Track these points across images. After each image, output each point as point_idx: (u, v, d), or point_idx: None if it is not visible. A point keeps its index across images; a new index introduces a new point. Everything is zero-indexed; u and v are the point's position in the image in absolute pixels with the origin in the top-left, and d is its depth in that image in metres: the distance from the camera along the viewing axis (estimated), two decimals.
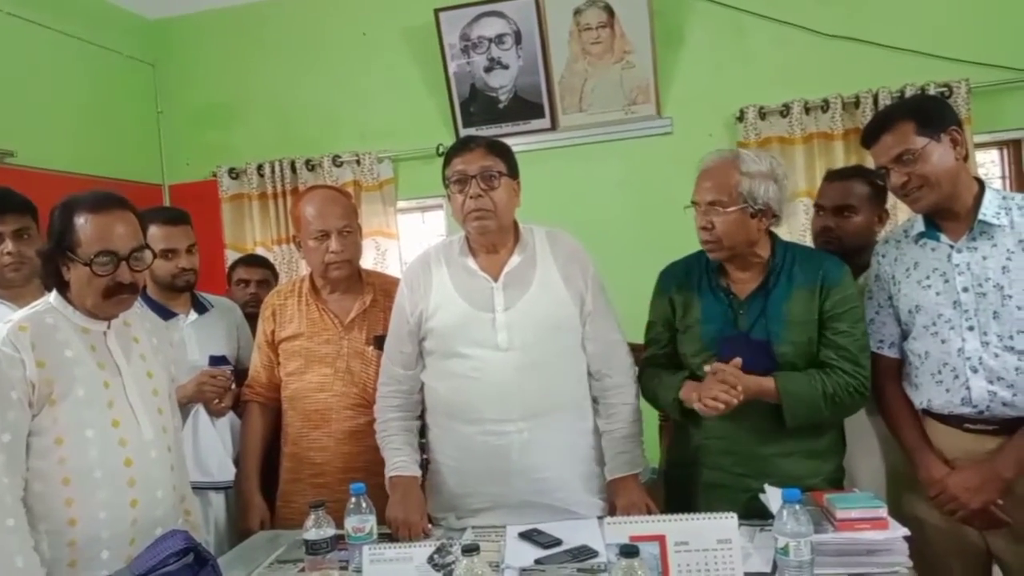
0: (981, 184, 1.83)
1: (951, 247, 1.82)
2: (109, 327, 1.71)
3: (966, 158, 1.83)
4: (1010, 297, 1.73)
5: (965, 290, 1.79)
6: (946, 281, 1.81)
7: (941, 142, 1.77)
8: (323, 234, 2.16)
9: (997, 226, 1.77)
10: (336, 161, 3.90)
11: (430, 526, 1.95)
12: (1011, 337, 1.74)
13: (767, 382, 1.79)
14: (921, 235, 1.88)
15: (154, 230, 2.30)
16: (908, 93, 3.31)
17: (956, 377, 1.79)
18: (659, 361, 2.01)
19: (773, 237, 1.94)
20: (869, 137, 1.87)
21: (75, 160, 3.51)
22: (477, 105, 3.76)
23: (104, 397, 1.65)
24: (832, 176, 2.37)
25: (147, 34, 4.12)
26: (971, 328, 1.78)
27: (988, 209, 1.77)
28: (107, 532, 1.60)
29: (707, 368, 1.81)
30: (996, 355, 1.75)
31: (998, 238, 1.77)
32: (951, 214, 1.82)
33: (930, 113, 1.81)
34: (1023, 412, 1.73)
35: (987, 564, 1.85)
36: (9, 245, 2.12)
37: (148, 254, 1.70)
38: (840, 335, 1.83)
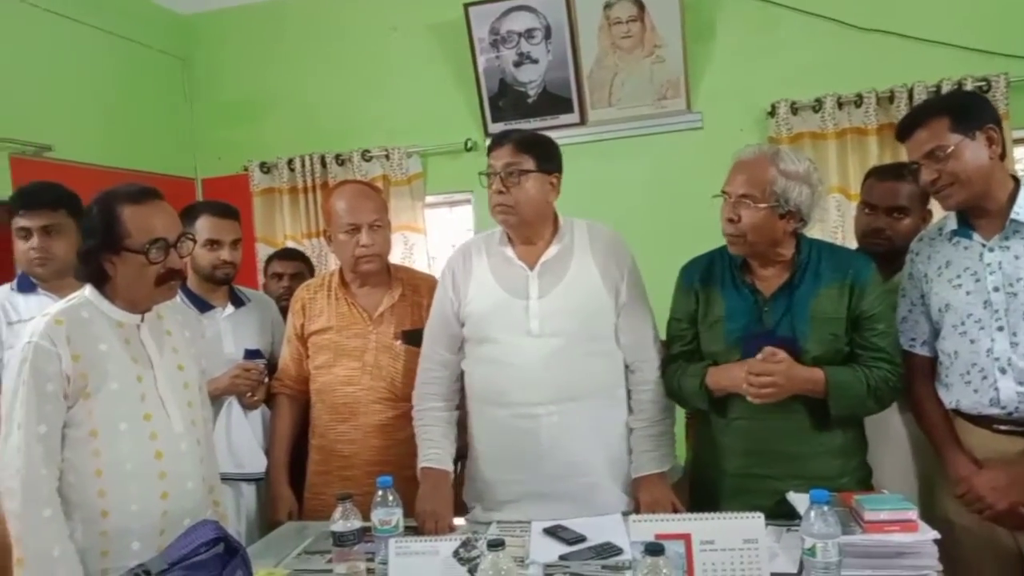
0: (1017, 182, 1.79)
1: (983, 246, 1.79)
2: (143, 320, 1.75)
3: (1003, 157, 1.80)
4: None
5: (996, 289, 1.76)
6: (977, 280, 1.79)
7: (976, 140, 1.74)
8: (354, 228, 2.18)
9: None
10: (365, 156, 3.92)
11: (457, 521, 1.96)
12: None
13: (817, 373, 1.78)
14: (954, 233, 1.85)
15: (202, 220, 2.37)
16: (944, 87, 3.24)
17: (984, 378, 1.77)
18: (683, 357, 2.00)
19: (798, 236, 1.90)
20: (903, 132, 1.84)
21: (110, 154, 3.58)
22: (506, 100, 3.76)
23: (137, 391, 1.69)
24: (883, 174, 2.30)
25: (178, 29, 4.18)
26: (1000, 328, 1.75)
27: (1022, 208, 1.74)
28: (138, 523, 1.65)
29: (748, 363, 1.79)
30: None
31: None
32: (984, 212, 1.79)
33: (966, 110, 1.78)
34: None
35: (1020, 568, 1.82)
36: (35, 240, 2.17)
37: (189, 242, 1.75)
38: (879, 336, 1.83)
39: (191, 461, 1.76)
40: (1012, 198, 1.76)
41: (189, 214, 2.40)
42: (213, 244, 2.37)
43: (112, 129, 3.68)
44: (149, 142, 3.92)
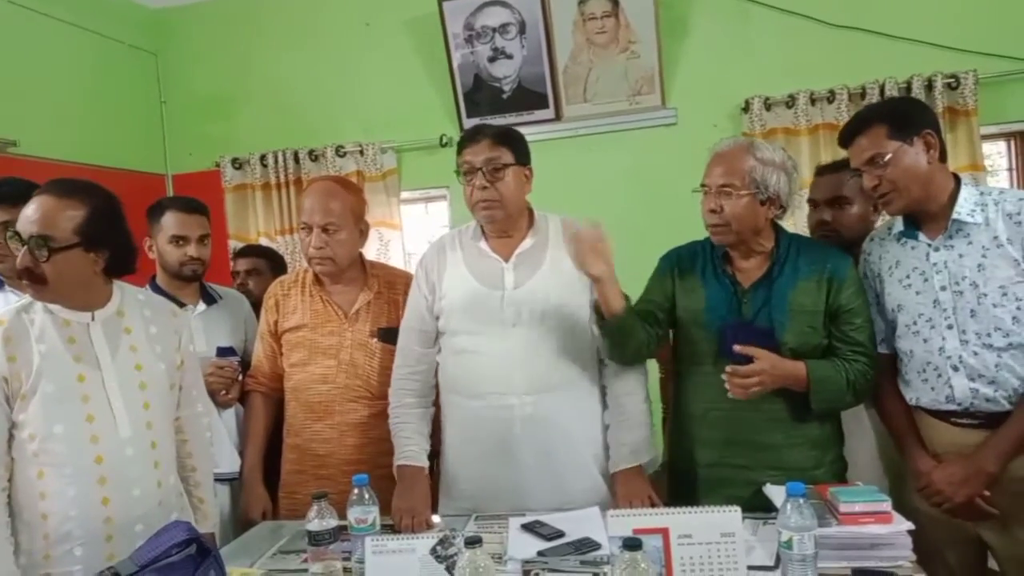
0: (958, 181, 1.82)
1: (929, 246, 1.83)
2: (93, 318, 1.70)
3: (943, 158, 1.83)
4: (985, 295, 1.75)
5: (943, 289, 1.80)
6: (925, 280, 1.83)
7: (914, 146, 1.78)
8: (306, 228, 2.16)
9: (972, 224, 1.77)
10: (339, 151, 3.89)
11: (435, 518, 1.95)
12: (988, 335, 1.75)
13: (799, 367, 1.80)
14: (901, 234, 1.89)
15: (168, 216, 2.33)
16: (915, 84, 3.28)
17: (939, 376, 1.81)
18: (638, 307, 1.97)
19: (777, 228, 1.94)
20: (845, 139, 1.88)
21: (78, 150, 3.51)
22: (481, 95, 3.74)
23: (78, 391, 1.64)
24: (822, 170, 2.35)
25: (149, 23, 4.11)
26: (950, 327, 1.79)
27: (963, 207, 1.78)
28: (79, 529, 1.61)
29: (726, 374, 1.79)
30: (975, 353, 1.76)
31: (974, 236, 1.77)
32: (927, 214, 1.83)
33: (904, 117, 1.82)
34: (1005, 407, 1.75)
35: (981, 552, 1.88)
36: None
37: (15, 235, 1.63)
38: (857, 330, 1.85)
39: (139, 466, 1.70)
40: (953, 198, 1.80)
41: (155, 210, 2.37)
42: (179, 240, 2.33)
43: (79, 124, 3.60)
44: (118, 138, 3.85)
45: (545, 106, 3.70)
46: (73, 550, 1.61)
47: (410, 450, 2.00)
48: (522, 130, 2.08)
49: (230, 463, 2.32)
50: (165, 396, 1.81)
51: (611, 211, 3.44)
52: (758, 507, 1.74)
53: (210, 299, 2.45)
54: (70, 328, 1.67)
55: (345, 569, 1.66)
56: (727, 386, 1.78)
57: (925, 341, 1.83)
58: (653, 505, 1.88)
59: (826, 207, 2.25)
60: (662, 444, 2.28)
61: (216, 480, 2.26)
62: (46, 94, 3.42)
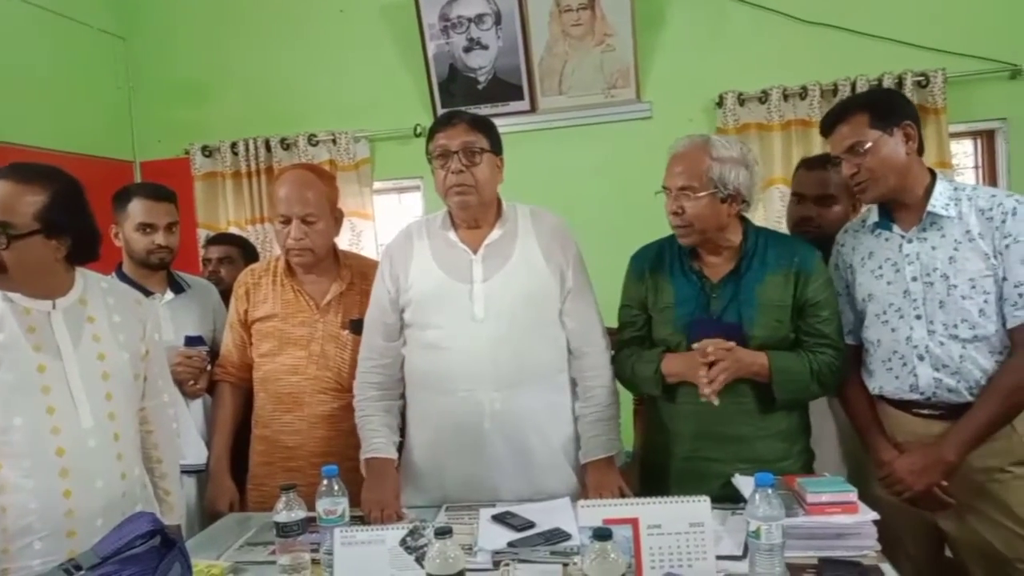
0: (934, 176, 1.86)
1: (902, 237, 1.87)
2: (55, 307, 1.66)
3: (920, 151, 1.87)
4: (955, 287, 1.78)
5: (914, 279, 1.83)
6: (897, 271, 1.86)
7: (893, 136, 1.81)
8: (285, 219, 2.13)
9: (946, 217, 1.81)
10: (311, 140, 3.85)
11: (405, 510, 1.93)
12: (955, 326, 1.79)
13: (761, 357, 1.81)
14: (876, 225, 1.92)
15: (135, 203, 2.28)
16: (886, 81, 3.33)
17: (904, 365, 1.85)
18: (635, 343, 2.01)
19: (745, 222, 1.94)
20: (826, 127, 1.91)
21: (43, 135, 3.42)
22: (456, 86, 3.72)
23: (37, 382, 1.60)
24: (811, 164, 2.36)
25: (118, 7, 4.01)
26: (919, 317, 1.83)
27: (938, 201, 1.81)
28: (39, 523, 1.57)
29: (695, 346, 1.81)
30: (941, 343, 1.80)
31: (947, 229, 1.81)
32: (902, 205, 1.87)
33: (885, 106, 1.85)
34: (967, 398, 1.79)
35: (938, 540, 1.92)
36: None
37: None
38: (823, 323, 1.87)
39: (102, 458, 1.66)
40: (929, 192, 1.83)
41: (122, 197, 2.32)
42: (147, 228, 2.28)
43: (46, 110, 3.51)
44: (84, 123, 3.76)
45: (520, 98, 3.69)
46: (33, 544, 1.57)
47: (378, 442, 1.98)
48: (497, 121, 2.06)
49: (197, 454, 2.28)
50: (129, 386, 1.76)
51: (585, 204, 3.48)
52: (728, 499, 1.75)
53: (178, 288, 2.41)
54: (30, 317, 1.62)
55: (313, 561, 1.64)
56: (700, 388, 1.80)
57: (893, 330, 1.86)
58: (623, 496, 1.88)
59: (813, 203, 2.27)
60: (632, 436, 2.29)
61: (183, 472, 2.22)
62: (8, 77, 3.33)
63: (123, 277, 2.29)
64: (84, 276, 1.74)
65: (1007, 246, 1.74)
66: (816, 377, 1.84)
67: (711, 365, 1.78)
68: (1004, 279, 1.75)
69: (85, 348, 1.67)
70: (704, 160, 1.83)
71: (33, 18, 3.46)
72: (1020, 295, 1.73)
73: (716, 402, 1.78)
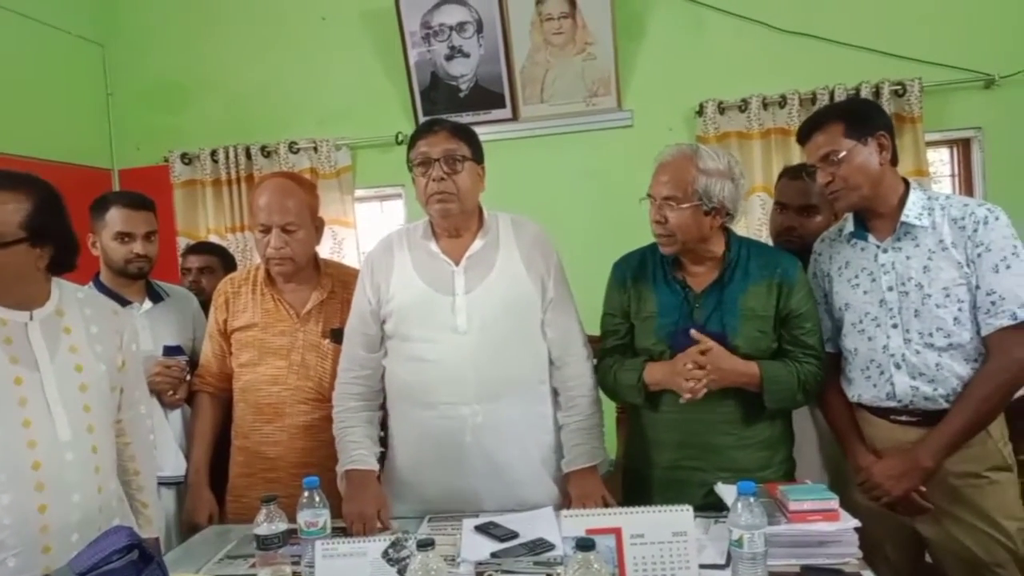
0: (907, 185, 1.88)
1: (878, 247, 1.88)
2: (32, 318, 1.62)
3: (894, 162, 1.89)
4: (930, 296, 1.80)
5: (890, 289, 1.85)
6: (873, 280, 1.88)
7: (868, 145, 1.83)
8: (265, 229, 2.11)
9: (920, 227, 1.83)
10: (292, 148, 3.83)
11: (389, 521, 1.92)
12: (931, 335, 1.81)
13: (752, 366, 1.82)
14: (852, 235, 1.94)
15: (113, 212, 2.26)
16: (864, 90, 3.37)
17: (882, 373, 1.87)
18: (618, 351, 2.01)
19: (727, 232, 1.95)
20: (803, 136, 1.93)
21: (20, 142, 3.37)
22: (438, 93, 3.72)
23: (14, 394, 1.56)
24: (793, 174, 2.36)
25: (96, 12, 3.98)
26: (895, 326, 1.85)
27: (911, 210, 1.83)
28: (13, 538, 1.53)
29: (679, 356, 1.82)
30: (917, 352, 1.82)
31: (921, 239, 1.83)
32: (877, 215, 1.89)
33: (860, 116, 1.87)
34: (943, 405, 1.81)
35: (918, 545, 1.93)
36: None
37: None
38: (807, 334, 1.89)
39: (79, 471, 1.62)
40: (903, 201, 1.85)
41: (99, 206, 2.29)
42: (125, 237, 2.25)
43: (22, 116, 3.46)
44: (61, 130, 3.72)
45: (502, 106, 3.70)
46: (6, 560, 1.53)
47: (358, 454, 1.96)
48: (479, 129, 2.06)
49: (175, 466, 2.26)
50: (106, 398, 1.73)
51: (567, 212, 3.49)
52: (711, 507, 1.75)
53: (156, 297, 2.38)
54: (7, 328, 1.59)
55: (295, 573, 1.63)
56: (679, 385, 1.80)
57: (870, 339, 1.88)
58: (607, 505, 1.88)
59: (795, 213, 2.28)
60: (615, 445, 2.29)
61: (160, 484, 2.20)
62: None
63: (101, 287, 2.26)
64: (60, 286, 1.71)
65: (979, 255, 1.77)
66: (802, 387, 1.85)
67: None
68: (977, 287, 1.77)
69: (62, 360, 1.64)
70: (690, 171, 1.83)
71: (8, 23, 3.42)
72: (993, 303, 1.75)
73: (699, 396, 1.79)
